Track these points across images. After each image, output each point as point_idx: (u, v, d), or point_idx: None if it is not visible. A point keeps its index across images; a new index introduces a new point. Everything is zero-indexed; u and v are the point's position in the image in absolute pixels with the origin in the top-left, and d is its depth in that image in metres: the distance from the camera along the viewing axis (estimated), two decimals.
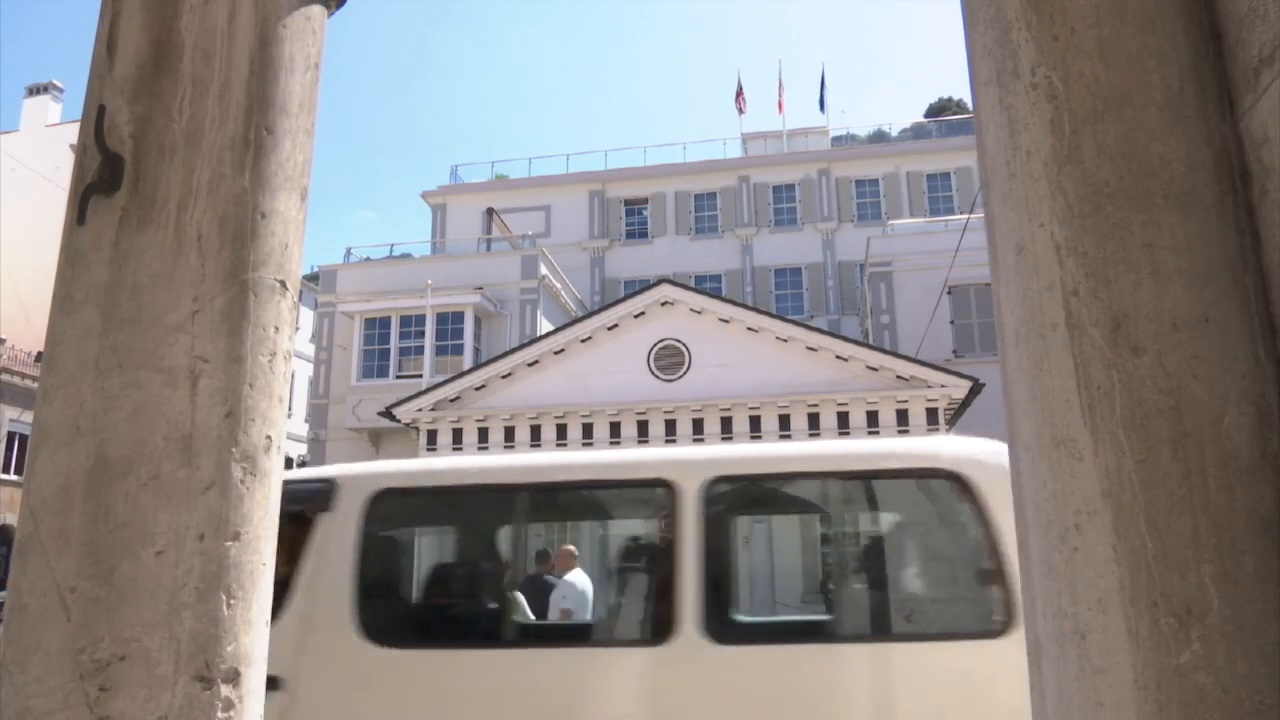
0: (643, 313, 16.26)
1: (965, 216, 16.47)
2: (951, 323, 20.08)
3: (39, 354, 21.89)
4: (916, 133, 34.74)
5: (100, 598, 1.71)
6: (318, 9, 2.28)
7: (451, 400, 16.52)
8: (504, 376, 16.45)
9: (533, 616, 4.93)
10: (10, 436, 23.76)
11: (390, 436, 20.23)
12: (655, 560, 4.13)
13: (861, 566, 4.45)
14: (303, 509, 3.91)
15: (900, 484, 4.06)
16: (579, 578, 6.38)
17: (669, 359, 16.01)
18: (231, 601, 1.84)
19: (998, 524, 3.44)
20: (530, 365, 16.40)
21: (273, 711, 2.37)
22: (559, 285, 23.36)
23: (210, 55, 2.01)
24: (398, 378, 20.39)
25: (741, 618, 4.26)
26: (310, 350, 23.79)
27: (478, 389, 16.50)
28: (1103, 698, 1.35)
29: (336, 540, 3.92)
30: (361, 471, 4.33)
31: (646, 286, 17.06)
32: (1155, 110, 1.48)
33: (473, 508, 4.66)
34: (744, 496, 4.20)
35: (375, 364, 20.86)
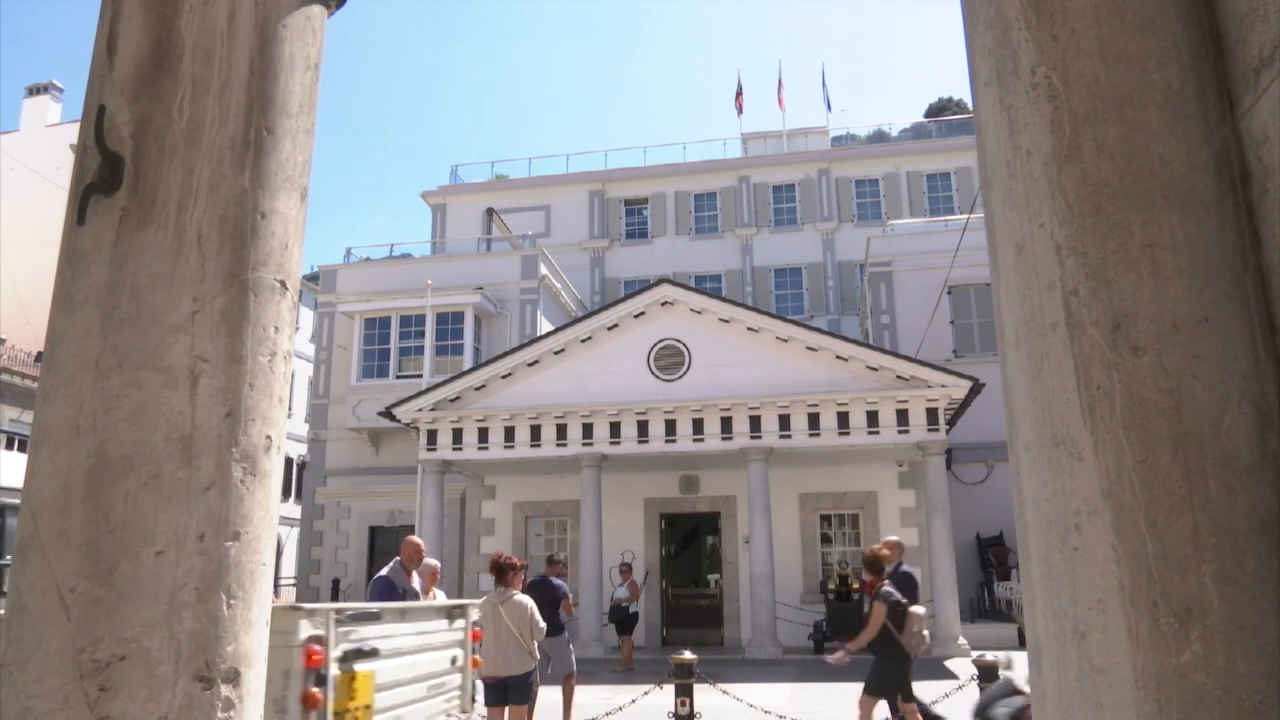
0: (643, 313, 16.25)
1: (965, 216, 16.46)
2: (951, 323, 20.09)
3: (39, 354, 21.88)
4: (916, 133, 34.73)
5: (100, 598, 1.71)
6: (318, 9, 2.28)
7: (451, 400, 16.51)
8: (504, 376, 16.44)
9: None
10: (10, 437, 23.71)
11: (390, 436, 20.23)
12: None
13: None
14: None
15: None
16: None
17: (669, 359, 16.00)
18: (231, 601, 1.84)
19: None
20: (530, 365, 16.40)
21: None
22: (559, 285, 23.35)
23: (210, 55, 2.01)
24: (398, 378, 20.39)
25: None
26: (310, 350, 23.78)
27: (478, 389, 16.49)
28: (1103, 698, 1.35)
29: None
30: None
31: (646, 286, 17.04)
32: (1155, 110, 1.48)
33: None
34: None
35: (375, 364, 20.85)
